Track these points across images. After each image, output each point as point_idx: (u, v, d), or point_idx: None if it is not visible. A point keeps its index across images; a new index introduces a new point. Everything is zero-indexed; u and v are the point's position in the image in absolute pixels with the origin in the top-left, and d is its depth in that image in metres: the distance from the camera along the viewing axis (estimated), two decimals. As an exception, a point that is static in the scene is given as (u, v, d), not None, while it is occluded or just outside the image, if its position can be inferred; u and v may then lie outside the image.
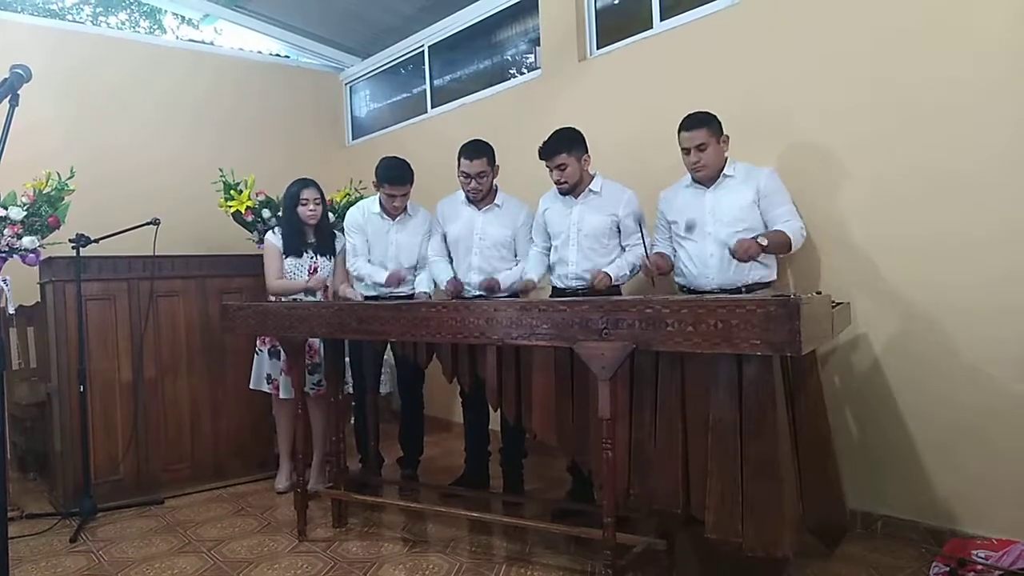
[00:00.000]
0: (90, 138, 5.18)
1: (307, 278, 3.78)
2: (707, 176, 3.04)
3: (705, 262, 3.04)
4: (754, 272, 2.99)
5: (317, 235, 3.86)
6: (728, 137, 3.02)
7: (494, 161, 3.55)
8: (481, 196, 3.58)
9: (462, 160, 3.52)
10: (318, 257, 3.84)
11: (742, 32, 3.47)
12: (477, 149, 3.51)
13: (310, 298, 3.79)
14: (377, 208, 3.77)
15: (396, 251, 3.77)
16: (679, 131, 3.02)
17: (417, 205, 3.85)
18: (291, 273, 3.81)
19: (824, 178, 3.15)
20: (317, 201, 3.79)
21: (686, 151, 3.03)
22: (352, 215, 3.90)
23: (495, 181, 3.63)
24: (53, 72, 4.96)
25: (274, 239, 3.83)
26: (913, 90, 2.88)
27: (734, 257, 2.82)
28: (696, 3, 3.79)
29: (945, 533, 2.79)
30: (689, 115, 3.02)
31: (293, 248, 3.81)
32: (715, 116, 2.99)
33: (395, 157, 3.72)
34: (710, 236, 3.03)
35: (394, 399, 5.14)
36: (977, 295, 2.73)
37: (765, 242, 2.84)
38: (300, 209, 3.77)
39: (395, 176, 3.63)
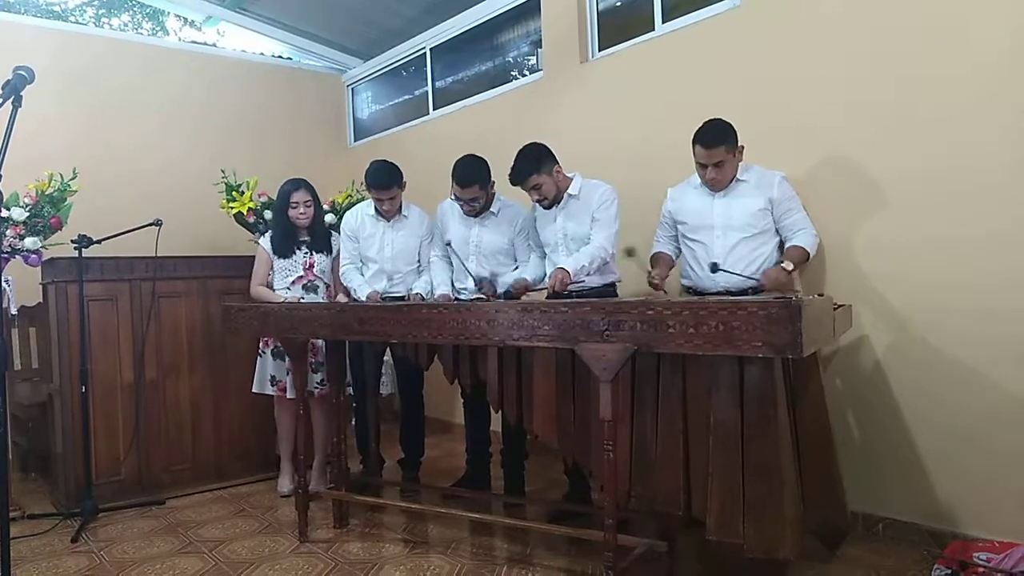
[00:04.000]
0: (92, 139, 5.19)
1: (302, 273, 3.81)
2: (721, 187, 3.02)
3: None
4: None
5: (311, 233, 3.88)
6: (743, 147, 2.96)
7: (488, 180, 3.44)
8: (476, 213, 3.53)
9: (454, 184, 3.42)
10: (314, 254, 3.86)
11: (744, 34, 3.47)
12: (466, 176, 3.37)
13: (313, 297, 3.80)
14: (372, 210, 3.77)
15: (392, 251, 3.76)
16: (695, 144, 2.93)
17: (412, 205, 3.84)
18: (283, 272, 3.83)
19: (826, 180, 3.15)
20: (308, 204, 3.80)
21: (702, 166, 2.95)
22: (346, 219, 3.90)
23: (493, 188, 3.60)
24: (56, 73, 4.97)
25: (265, 244, 3.89)
26: (915, 92, 2.88)
27: (765, 290, 2.79)
28: (698, 5, 3.80)
29: (947, 535, 2.78)
30: (707, 128, 2.92)
31: (283, 250, 3.84)
32: (732, 128, 2.91)
33: (381, 161, 3.69)
34: (719, 239, 3.02)
35: (395, 400, 5.14)
36: (979, 297, 2.73)
37: (791, 267, 2.87)
38: (290, 212, 3.80)
39: (379, 181, 3.61)
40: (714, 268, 2.89)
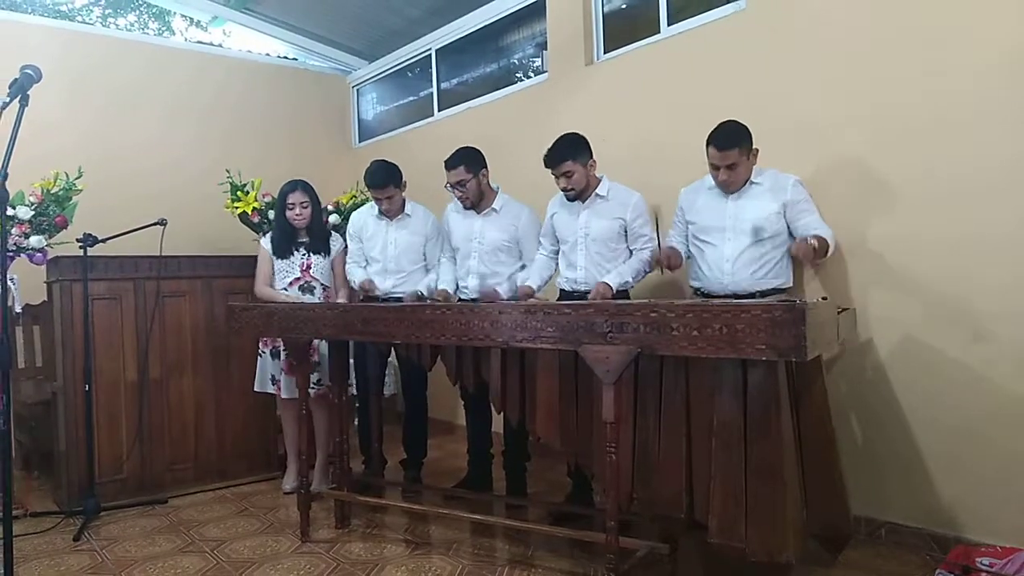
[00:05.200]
0: (98, 138, 5.20)
1: (299, 275, 3.83)
2: (734, 189, 3.00)
3: (721, 267, 3.02)
4: (771, 280, 2.97)
5: (310, 234, 3.89)
6: (758, 150, 2.94)
7: (476, 166, 3.50)
8: (469, 203, 3.56)
9: (445, 173, 3.52)
10: (311, 255, 3.87)
11: (749, 37, 3.47)
12: (453, 158, 3.50)
13: (309, 298, 3.81)
14: (376, 211, 3.81)
15: (395, 250, 3.79)
16: (709, 145, 2.92)
17: (416, 204, 3.87)
18: (282, 273, 3.85)
19: (830, 182, 3.14)
20: (304, 204, 3.81)
21: (715, 167, 2.94)
22: (352, 220, 3.96)
23: (495, 185, 3.62)
24: (62, 73, 4.97)
25: (265, 244, 3.91)
26: (919, 94, 2.88)
27: (796, 258, 2.77)
28: (703, 8, 3.80)
29: (950, 540, 2.78)
30: (721, 130, 2.90)
31: (281, 250, 3.86)
32: (747, 130, 2.90)
33: (379, 161, 3.73)
34: (729, 242, 3.00)
35: (398, 401, 5.14)
36: (983, 300, 2.73)
37: (816, 244, 2.78)
38: (287, 213, 3.82)
39: (376, 180, 3.67)
40: None
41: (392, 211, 3.75)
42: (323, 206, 4.69)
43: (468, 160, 3.49)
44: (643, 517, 2.71)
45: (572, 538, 2.87)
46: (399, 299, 3.67)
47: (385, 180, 3.66)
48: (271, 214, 4.52)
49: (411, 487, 3.85)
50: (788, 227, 3.00)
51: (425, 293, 3.68)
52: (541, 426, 2.65)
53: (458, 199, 3.58)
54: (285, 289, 3.83)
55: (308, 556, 3.05)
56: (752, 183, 2.99)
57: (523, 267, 3.59)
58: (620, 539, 2.38)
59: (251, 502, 3.83)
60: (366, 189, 3.78)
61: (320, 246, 3.91)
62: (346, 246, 4.01)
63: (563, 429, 2.61)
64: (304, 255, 3.86)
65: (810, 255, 2.78)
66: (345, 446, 3.41)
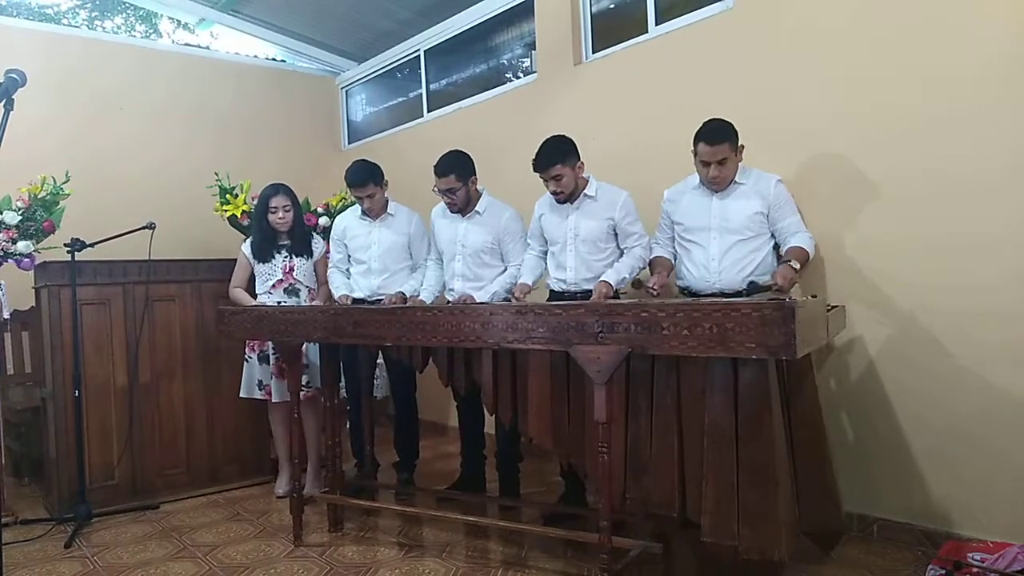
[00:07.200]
0: (85, 142, 5.17)
1: (281, 277, 3.83)
2: (723, 187, 3.02)
3: (708, 266, 3.03)
4: (758, 277, 2.97)
5: (291, 237, 3.89)
6: (744, 146, 2.95)
7: (467, 173, 3.48)
8: (457, 209, 3.56)
9: (434, 177, 3.50)
10: (294, 257, 3.87)
11: (737, 36, 3.48)
12: (443, 166, 3.46)
13: (295, 301, 3.81)
14: (359, 212, 3.82)
15: (379, 250, 3.79)
16: (698, 141, 2.93)
17: (399, 205, 3.87)
18: (263, 276, 3.85)
19: (819, 182, 3.16)
20: (287, 208, 3.81)
21: (704, 164, 2.95)
22: (335, 224, 3.97)
23: (480, 187, 3.61)
24: (48, 76, 4.95)
25: (246, 249, 3.90)
26: (911, 94, 2.89)
27: (780, 291, 2.77)
28: (691, 7, 3.80)
29: (941, 536, 2.79)
30: (710, 126, 2.92)
31: (263, 254, 3.85)
32: (733, 126, 2.91)
33: (359, 160, 3.75)
34: (715, 241, 3.02)
35: (390, 403, 5.13)
36: (973, 298, 2.74)
37: (798, 266, 2.85)
38: (270, 216, 3.81)
39: (355, 179, 3.67)
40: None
41: (375, 210, 3.76)
42: (313, 208, 4.70)
43: (458, 168, 3.46)
44: (636, 516, 2.72)
45: (565, 538, 2.88)
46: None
47: (365, 178, 3.66)
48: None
49: (404, 489, 3.86)
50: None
51: (408, 293, 3.67)
52: (533, 427, 2.65)
53: (446, 204, 3.58)
54: (269, 293, 3.82)
55: (301, 560, 3.04)
56: (736, 183, 3.00)
57: (505, 270, 3.57)
58: (613, 539, 2.38)
59: (243, 506, 3.82)
60: (349, 188, 3.78)
61: (302, 248, 3.90)
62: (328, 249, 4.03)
63: (555, 429, 2.61)
64: (286, 258, 3.86)
65: (793, 283, 2.81)
66: (337, 449, 3.40)
